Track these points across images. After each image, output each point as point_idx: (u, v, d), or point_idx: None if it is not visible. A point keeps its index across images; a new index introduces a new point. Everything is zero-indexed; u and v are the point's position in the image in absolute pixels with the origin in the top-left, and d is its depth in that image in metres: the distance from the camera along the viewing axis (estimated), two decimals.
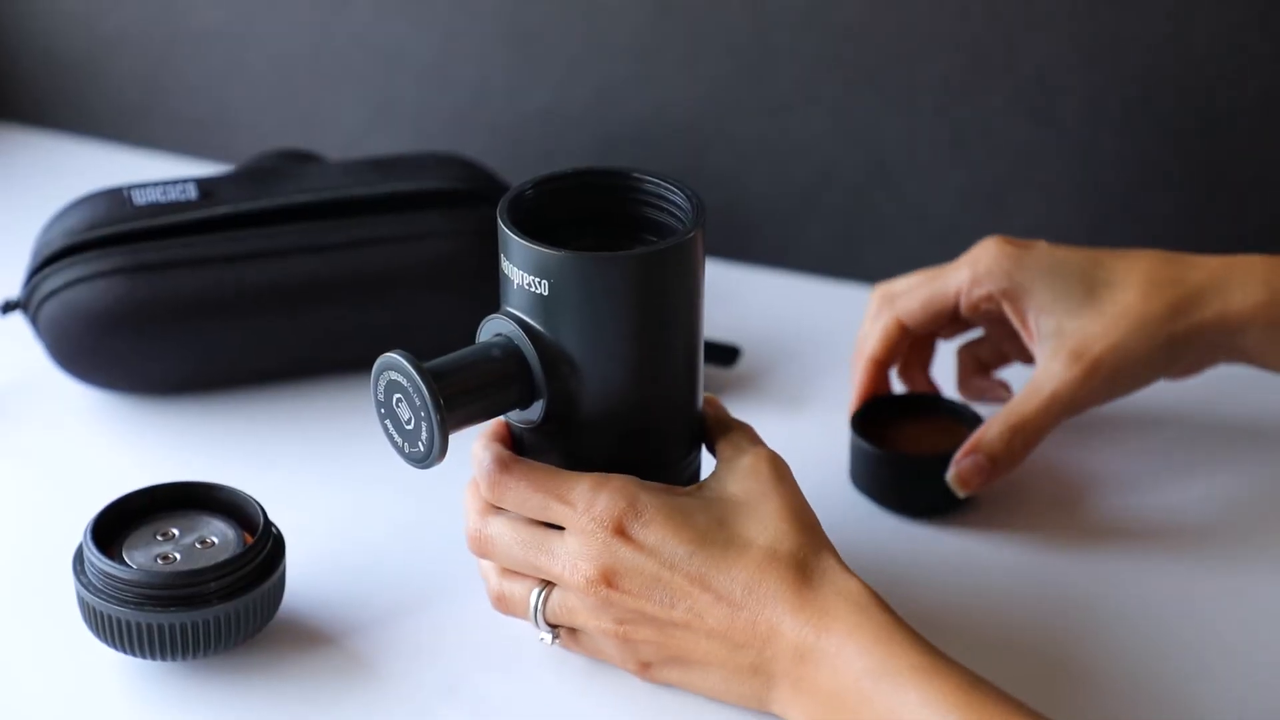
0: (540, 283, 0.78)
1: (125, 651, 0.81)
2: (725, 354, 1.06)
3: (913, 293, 0.94)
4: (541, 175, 0.83)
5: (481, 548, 0.82)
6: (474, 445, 0.82)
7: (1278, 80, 1.07)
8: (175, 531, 0.84)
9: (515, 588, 0.81)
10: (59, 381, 1.03)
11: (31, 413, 1.02)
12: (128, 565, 0.81)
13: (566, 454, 0.81)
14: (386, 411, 0.79)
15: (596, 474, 0.79)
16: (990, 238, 0.93)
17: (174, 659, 0.81)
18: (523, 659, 0.83)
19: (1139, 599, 0.87)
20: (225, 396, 1.03)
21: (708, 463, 0.85)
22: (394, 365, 0.77)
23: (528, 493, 0.79)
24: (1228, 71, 1.07)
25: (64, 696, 0.82)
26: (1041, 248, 0.92)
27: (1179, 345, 0.89)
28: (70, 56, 1.32)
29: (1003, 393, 1.00)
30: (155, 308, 0.99)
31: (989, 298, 0.92)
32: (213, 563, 0.81)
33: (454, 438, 0.78)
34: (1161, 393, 0.96)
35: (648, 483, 0.79)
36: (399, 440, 0.79)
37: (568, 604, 0.79)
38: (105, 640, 0.81)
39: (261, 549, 0.82)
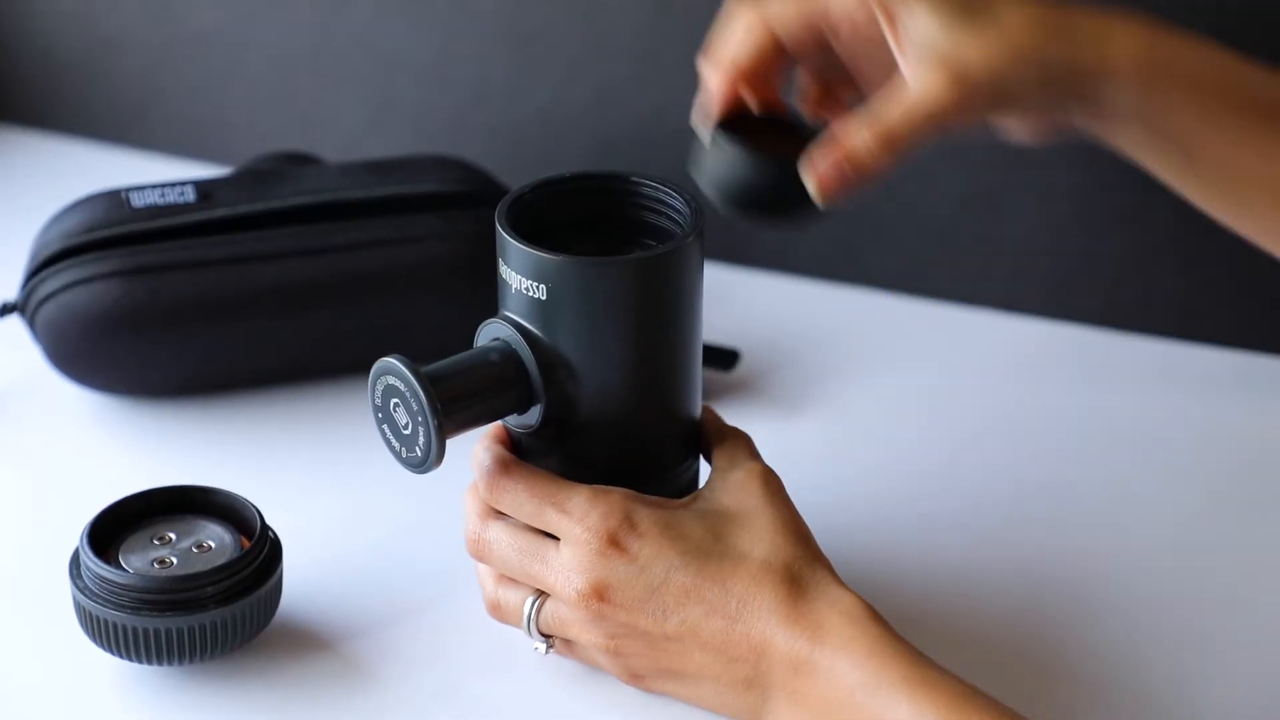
0: (538, 287, 0.77)
1: (121, 656, 0.81)
2: (724, 357, 1.06)
3: (787, 2, 0.85)
4: (539, 179, 0.83)
5: (479, 551, 0.81)
6: (475, 447, 0.82)
7: None
8: (172, 535, 0.84)
9: (510, 596, 0.81)
10: (56, 384, 1.03)
11: (28, 415, 1.02)
12: (124, 569, 0.81)
13: (565, 458, 0.81)
14: (384, 416, 0.79)
15: (595, 485, 0.79)
16: None
17: (170, 664, 0.81)
18: (520, 663, 0.83)
19: (1132, 601, 0.87)
20: (223, 399, 1.03)
21: (706, 466, 0.84)
22: (391, 370, 0.77)
23: (525, 497, 0.79)
24: None
25: (60, 701, 0.82)
26: None
27: (1052, 82, 0.83)
28: (69, 57, 1.32)
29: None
30: (153, 310, 0.99)
31: (864, 3, 0.83)
32: (209, 567, 0.81)
33: (451, 442, 0.77)
34: (1157, 392, 0.96)
35: (645, 496, 0.79)
36: (396, 445, 0.79)
37: (560, 615, 0.79)
38: (101, 645, 0.81)
39: (258, 553, 0.82)
